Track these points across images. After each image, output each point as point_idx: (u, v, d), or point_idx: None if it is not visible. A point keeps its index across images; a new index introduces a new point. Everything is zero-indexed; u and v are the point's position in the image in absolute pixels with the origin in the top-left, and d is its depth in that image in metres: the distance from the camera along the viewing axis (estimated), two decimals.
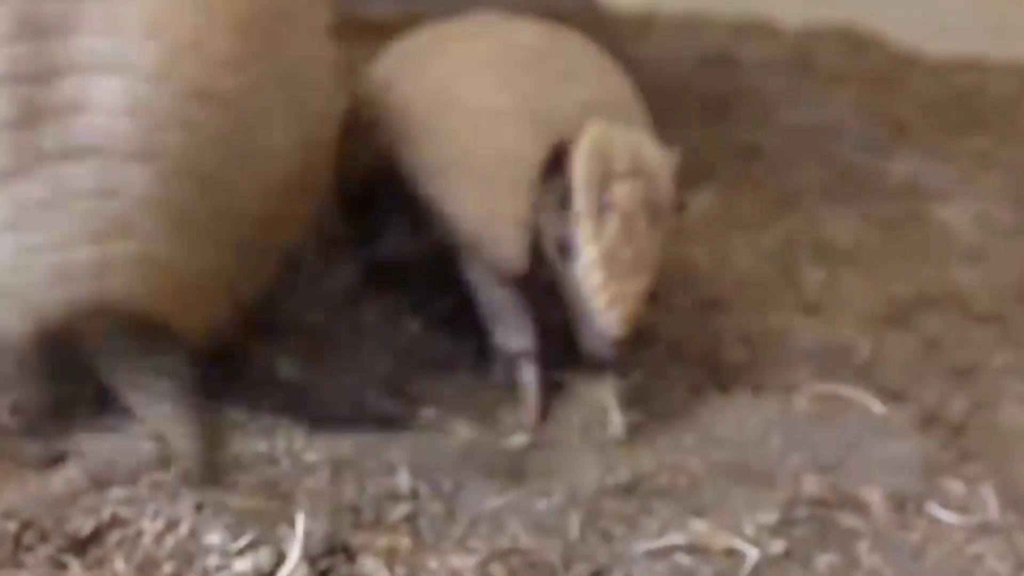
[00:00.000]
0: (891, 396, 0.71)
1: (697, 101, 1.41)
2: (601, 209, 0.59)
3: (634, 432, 0.66)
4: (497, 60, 0.67)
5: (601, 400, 0.68)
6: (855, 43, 1.81)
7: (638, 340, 0.75)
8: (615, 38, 1.75)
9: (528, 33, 0.70)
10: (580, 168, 0.59)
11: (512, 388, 0.67)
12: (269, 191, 0.55)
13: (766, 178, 1.14)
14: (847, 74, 1.59)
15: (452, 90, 0.66)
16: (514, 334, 0.67)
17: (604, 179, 0.59)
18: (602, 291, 0.59)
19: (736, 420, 0.67)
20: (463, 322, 0.70)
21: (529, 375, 0.66)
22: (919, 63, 1.70)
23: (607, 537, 0.56)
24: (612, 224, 0.59)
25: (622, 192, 0.59)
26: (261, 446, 0.59)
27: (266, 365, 0.69)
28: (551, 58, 0.67)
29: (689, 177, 1.12)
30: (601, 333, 0.59)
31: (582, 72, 0.66)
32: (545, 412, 0.66)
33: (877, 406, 0.69)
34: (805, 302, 0.86)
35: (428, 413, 0.66)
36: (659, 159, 0.61)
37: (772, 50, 1.73)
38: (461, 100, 0.65)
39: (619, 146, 0.60)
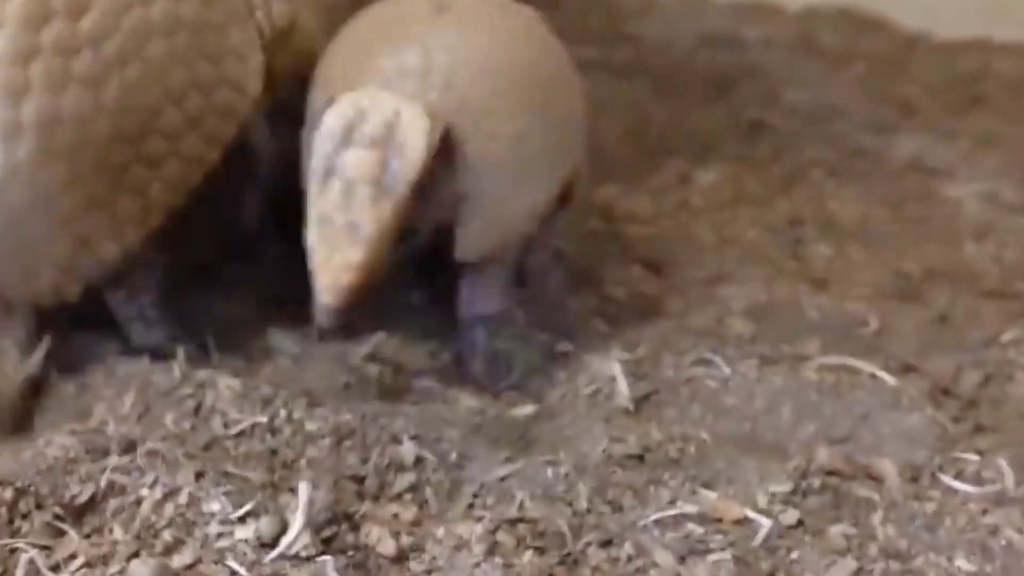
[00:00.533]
0: (902, 369, 0.70)
1: (700, 80, 1.39)
2: (327, 173, 0.58)
3: (641, 402, 0.65)
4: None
5: (607, 370, 0.67)
6: (858, 24, 1.79)
7: (645, 314, 0.75)
8: (615, 17, 1.74)
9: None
10: (319, 130, 0.59)
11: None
12: None
13: (771, 156, 1.13)
14: (851, 54, 1.58)
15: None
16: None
17: (339, 144, 0.58)
18: (313, 256, 0.58)
19: (744, 391, 0.66)
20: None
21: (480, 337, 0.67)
22: (923, 44, 1.69)
23: (616, 507, 0.55)
24: (333, 190, 0.58)
25: (348, 159, 0.58)
26: (261, 415, 0.58)
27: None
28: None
29: (694, 154, 1.11)
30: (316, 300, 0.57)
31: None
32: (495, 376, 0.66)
33: (888, 378, 0.67)
34: (812, 277, 0.84)
35: (427, 383, 0.65)
36: (414, 135, 0.58)
37: (774, 30, 1.71)
38: None
39: (370, 114, 0.58)
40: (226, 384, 0.60)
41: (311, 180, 0.58)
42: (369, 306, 0.59)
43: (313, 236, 0.58)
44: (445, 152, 0.59)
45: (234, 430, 0.57)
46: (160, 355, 0.62)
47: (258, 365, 0.66)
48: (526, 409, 0.63)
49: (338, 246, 0.57)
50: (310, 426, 0.57)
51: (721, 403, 0.65)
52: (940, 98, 1.40)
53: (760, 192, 1.03)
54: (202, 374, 0.61)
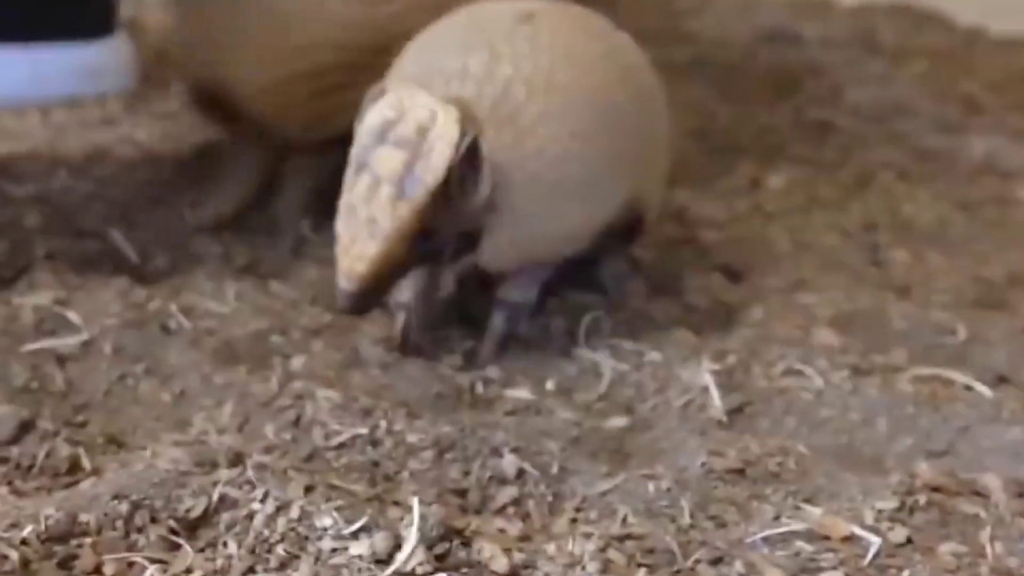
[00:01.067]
0: (996, 380, 0.69)
1: (762, 78, 1.38)
2: (360, 166, 0.60)
3: (734, 414, 0.64)
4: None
5: (699, 381, 0.66)
6: (914, 18, 1.77)
7: (728, 323, 0.74)
8: (671, 16, 1.73)
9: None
10: (359, 125, 0.61)
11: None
12: None
13: (840, 158, 1.12)
14: (910, 50, 1.56)
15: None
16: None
17: (375, 139, 0.59)
18: (337, 240, 0.60)
19: (839, 403, 0.65)
20: None
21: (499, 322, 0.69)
22: (981, 39, 1.66)
23: (720, 523, 0.54)
24: (362, 182, 0.59)
25: (379, 155, 0.59)
26: (361, 427, 0.58)
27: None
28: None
29: (762, 155, 1.10)
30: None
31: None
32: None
33: (984, 390, 0.67)
34: (894, 284, 0.84)
35: (519, 394, 0.65)
36: (442, 142, 0.58)
37: (831, 26, 1.70)
38: None
39: (408, 114, 0.59)
40: (324, 395, 0.60)
41: (348, 169, 0.61)
42: (387, 292, 0.63)
43: (339, 223, 0.60)
44: (471, 162, 0.60)
45: (335, 441, 0.57)
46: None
47: (349, 373, 0.66)
48: (620, 421, 0.63)
49: (358, 237, 0.59)
50: (411, 438, 0.57)
51: (815, 415, 0.64)
52: (1004, 95, 1.38)
53: (832, 195, 1.02)
54: (298, 384, 0.62)
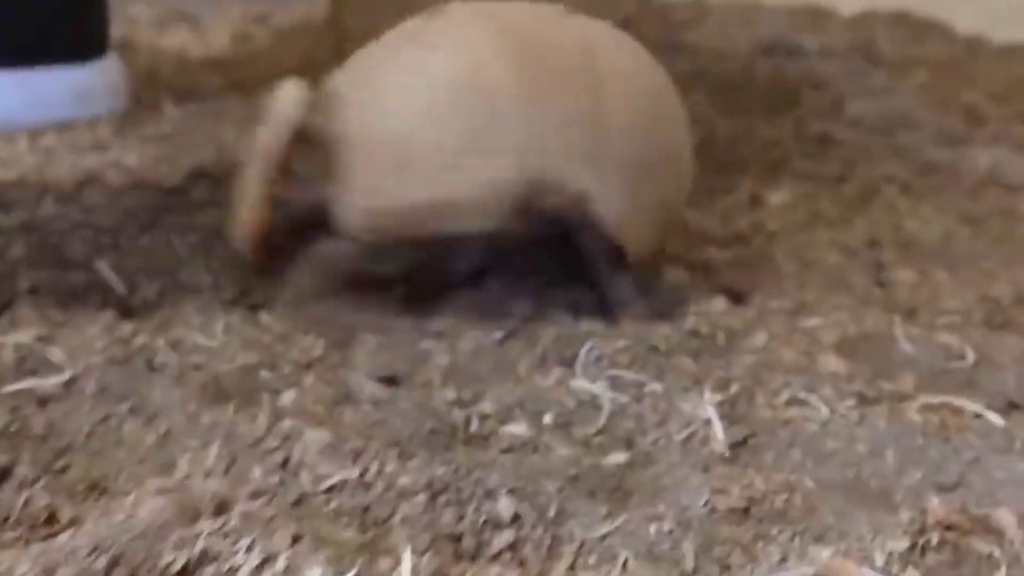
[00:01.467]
0: (1006, 406, 0.67)
1: (762, 90, 1.36)
2: None
3: (738, 448, 0.62)
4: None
5: (701, 412, 0.64)
6: (914, 28, 1.75)
7: (730, 349, 0.72)
8: (668, 26, 1.71)
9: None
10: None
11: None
12: None
13: (841, 172, 1.10)
14: (911, 61, 1.54)
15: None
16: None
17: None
18: None
19: (845, 434, 0.63)
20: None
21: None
22: (982, 48, 1.65)
23: (724, 566, 0.52)
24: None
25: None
26: (352, 469, 0.56)
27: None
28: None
29: (763, 170, 1.08)
30: None
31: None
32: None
33: (995, 418, 0.65)
34: (899, 304, 0.82)
35: (516, 429, 0.63)
36: (278, 115, 0.69)
37: (831, 37, 1.68)
38: None
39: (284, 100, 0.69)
40: (313, 436, 0.58)
41: None
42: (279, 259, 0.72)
43: None
44: (305, 135, 0.69)
45: (324, 485, 0.55)
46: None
47: (340, 410, 0.64)
48: (620, 456, 0.61)
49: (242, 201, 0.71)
50: (403, 480, 0.55)
51: (821, 447, 0.62)
52: (1007, 106, 1.37)
53: (835, 211, 1.00)
54: (287, 424, 0.60)
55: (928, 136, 1.20)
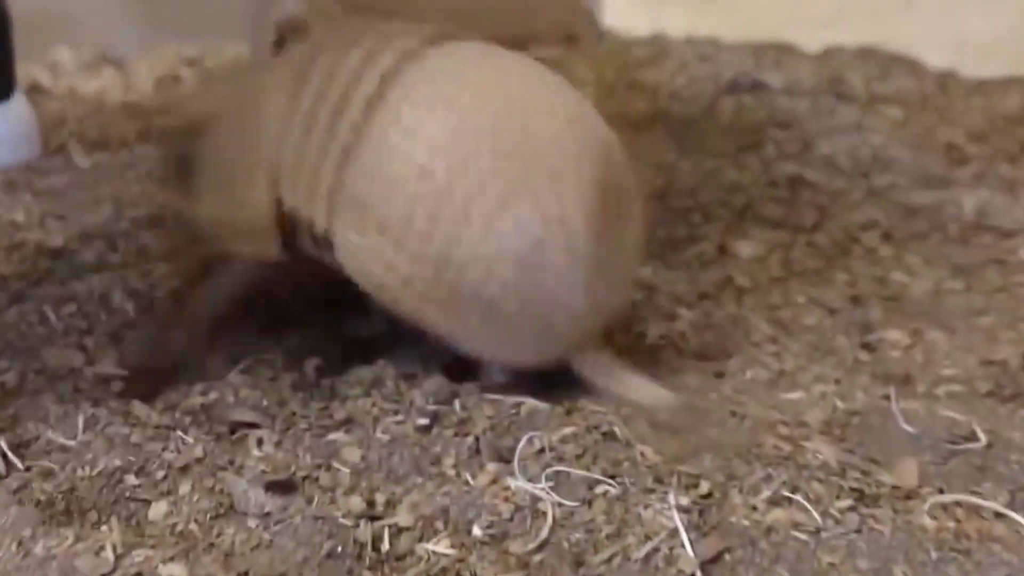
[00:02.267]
0: None
1: (726, 131, 1.26)
2: None
3: (710, 567, 0.51)
4: None
5: (664, 520, 0.53)
6: (882, 63, 1.67)
7: (701, 435, 0.60)
8: (626, 64, 1.61)
9: None
10: None
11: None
12: None
13: (816, 218, 0.99)
14: (883, 97, 1.45)
15: None
16: None
17: None
18: None
19: (842, 547, 0.51)
20: None
21: None
22: (954, 83, 1.56)
23: None
24: None
25: None
26: None
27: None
28: None
29: (730, 217, 0.98)
30: None
31: None
32: None
33: (1019, 518, 0.53)
34: (891, 372, 0.71)
35: (439, 548, 0.51)
36: None
37: (796, 73, 1.59)
38: None
39: None
40: (168, 573, 0.45)
41: None
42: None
43: None
44: None
45: None
46: None
47: (220, 527, 0.51)
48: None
49: None
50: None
51: (814, 565, 0.50)
52: (988, 143, 1.27)
53: (810, 263, 0.90)
54: (140, 557, 0.47)
55: (906, 177, 1.10)
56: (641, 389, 0.63)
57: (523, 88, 0.62)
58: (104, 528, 0.49)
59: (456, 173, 0.58)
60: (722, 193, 1.03)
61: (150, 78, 1.52)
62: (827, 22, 1.73)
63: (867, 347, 0.75)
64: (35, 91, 1.30)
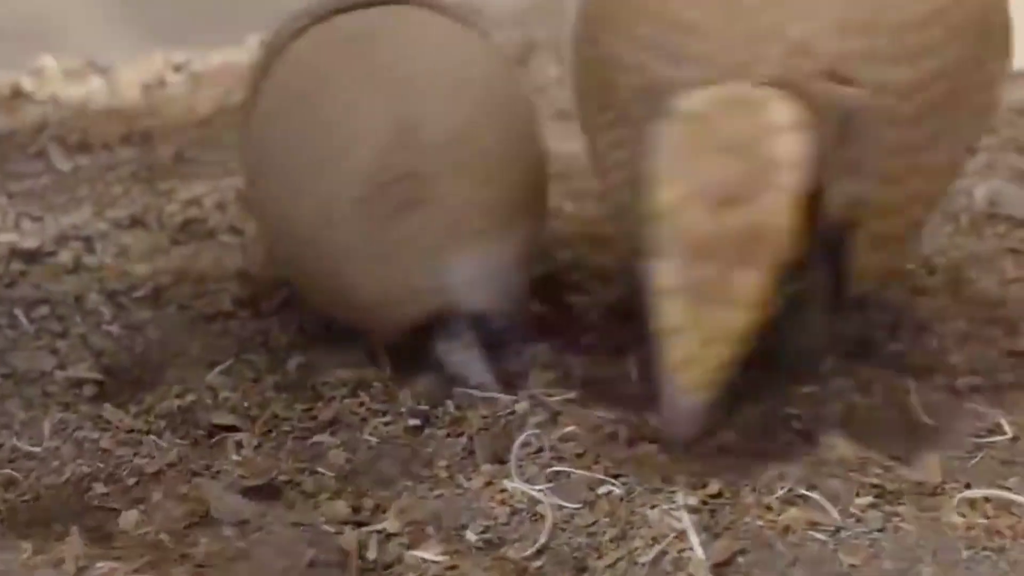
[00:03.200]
0: None
1: None
2: None
3: (723, 569, 0.47)
4: None
5: (672, 522, 0.49)
6: None
7: (709, 432, 0.57)
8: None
9: None
10: None
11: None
12: None
13: None
14: None
15: None
16: None
17: None
18: None
19: (864, 547, 0.48)
20: None
21: None
22: None
23: None
24: None
25: None
26: None
27: None
28: None
29: None
30: None
31: None
32: None
33: None
34: (911, 361, 0.67)
35: (430, 555, 0.48)
36: None
37: None
38: None
39: None
40: None
41: None
42: None
43: None
44: None
45: None
46: None
47: (193, 537, 0.48)
48: None
49: None
50: None
51: (835, 567, 0.47)
52: (998, 134, 1.24)
53: None
54: (102, 567, 0.44)
55: None
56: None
57: None
58: (67, 539, 0.45)
59: None
60: None
61: (136, 84, 1.49)
62: None
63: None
64: (17, 96, 1.28)
